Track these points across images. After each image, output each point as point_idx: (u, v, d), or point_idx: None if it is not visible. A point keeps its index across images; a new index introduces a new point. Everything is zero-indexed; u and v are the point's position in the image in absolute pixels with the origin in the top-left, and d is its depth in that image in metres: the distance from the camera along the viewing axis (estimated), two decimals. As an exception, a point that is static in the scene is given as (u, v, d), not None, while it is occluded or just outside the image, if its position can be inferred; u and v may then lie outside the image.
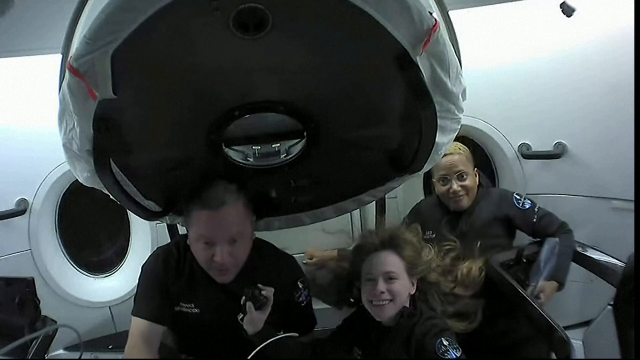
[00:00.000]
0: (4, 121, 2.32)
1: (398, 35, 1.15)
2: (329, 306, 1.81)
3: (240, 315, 1.47)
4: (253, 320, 1.45)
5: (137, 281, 1.67)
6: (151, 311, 1.57)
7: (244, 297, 1.46)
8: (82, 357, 2.31)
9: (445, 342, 1.37)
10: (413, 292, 1.54)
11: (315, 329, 1.77)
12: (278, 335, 1.49)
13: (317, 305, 2.08)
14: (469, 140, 2.49)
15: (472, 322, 1.56)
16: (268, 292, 1.47)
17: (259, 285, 1.47)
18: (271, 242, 1.77)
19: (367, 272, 1.53)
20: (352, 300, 1.66)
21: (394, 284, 1.48)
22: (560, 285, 1.89)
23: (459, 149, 2.12)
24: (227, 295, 1.58)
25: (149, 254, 1.73)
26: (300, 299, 1.67)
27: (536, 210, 2.04)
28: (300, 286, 1.67)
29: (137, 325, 1.56)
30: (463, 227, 2.03)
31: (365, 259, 1.55)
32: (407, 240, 1.56)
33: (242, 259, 1.56)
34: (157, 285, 1.60)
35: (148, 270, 1.65)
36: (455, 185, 2.06)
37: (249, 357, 1.42)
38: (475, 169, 2.14)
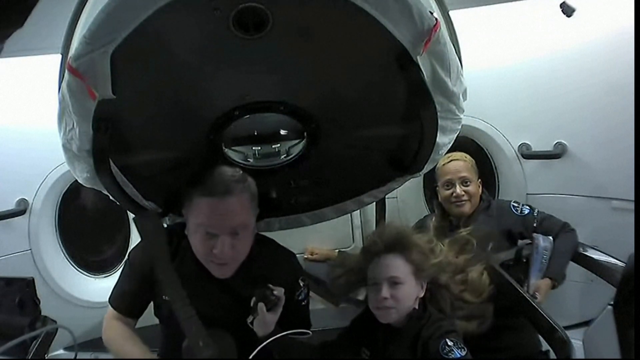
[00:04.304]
0: (4, 121, 2.32)
1: (398, 35, 1.15)
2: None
3: (250, 318, 1.40)
4: (265, 322, 1.39)
5: None
6: (124, 306, 1.58)
7: (254, 298, 1.40)
8: (83, 358, 2.35)
9: (450, 343, 1.34)
10: (422, 295, 1.49)
11: (315, 329, 1.75)
12: (286, 332, 1.42)
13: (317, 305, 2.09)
14: (472, 146, 2.50)
15: (482, 323, 1.54)
16: (279, 292, 1.41)
17: (270, 285, 1.42)
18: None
19: (372, 275, 1.49)
20: (361, 299, 1.63)
21: (398, 290, 1.43)
22: (556, 282, 1.90)
23: (465, 157, 2.17)
24: (221, 290, 1.52)
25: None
26: (300, 298, 1.60)
27: (536, 214, 2.05)
28: (301, 284, 1.61)
29: (112, 312, 1.59)
30: None
31: (371, 261, 1.51)
32: (414, 243, 1.50)
33: (243, 253, 1.48)
34: (135, 278, 1.57)
35: (132, 260, 1.61)
36: (459, 189, 2.09)
37: (251, 356, 1.37)
38: (479, 180, 2.17)
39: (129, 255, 1.65)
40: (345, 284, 1.63)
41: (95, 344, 2.39)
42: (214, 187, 1.40)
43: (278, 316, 1.42)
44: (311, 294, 1.79)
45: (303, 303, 1.63)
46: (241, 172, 1.49)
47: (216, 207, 1.39)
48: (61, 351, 2.38)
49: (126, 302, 1.59)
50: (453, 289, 1.54)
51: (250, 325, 1.41)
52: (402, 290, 1.44)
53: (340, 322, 1.70)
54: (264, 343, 1.37)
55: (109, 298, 1.62)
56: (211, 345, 1.40)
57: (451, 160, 2.14)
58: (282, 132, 1.61)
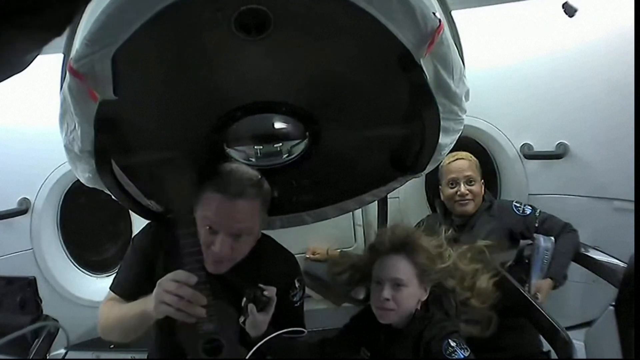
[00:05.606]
0: (6, 121, 2.32)
1: (402, 37, 1.14)
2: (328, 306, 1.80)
3: (242, 319, 1.38)
4: (256, 323, 1.36)
5: None
6: (124, 290, 1.53)
7: (244, 299, 1.38)
8: (84, 358, 2.35)
9: (453, 343, 1.33)
10: (424, 298, 1.47)
11: (315, 330, 1.74)
12: (280, 332, 1.40)
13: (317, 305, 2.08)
14: (474, 146, 2.50)
15: (485, 329, 1.52)
16: (270, 292, 1.38)
17: (261, 285, 1.39)
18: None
19: (376, 274, 1.48)
20: (362, 297, 1.61)
21: (400, 292, 1.42)
22: (557, 283, 1.90)
23: (469, 156, 2.19)
24: (218, 285, 1.47)
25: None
26: (295, 299, 1.58)
27: (537, 214, 2.05)
28: (297, 285, 1.58)
29: (113, 297, 1.53)
30: (465, 240, 2.02)
31: (376, 259, 1.50)
32: (422, 246, 1.48)
33: (241, 255, 1.46)
34: (138, 263, 1.53)
35: (135, 246, 1.58)
36: (463, 188, 2.11)
37: (247, 357, 1.36)
38: (482, 181, 2.17)
39: (132, 241, 1.62)
40: (347, 279, 1.61)
41: (96, 343, 2.41)
42: (229, 185, 1.38)
43: (270, 316, 1.38)
44: (312, 293, 1.79)
45: (297, 304, 1.60)
46: (260, 176, 1.47)
47: (225, 206, 1.37)
48: (62, 351, 2.38)
49: (127, 286, 1.53)
50: (460, 294, 1.51)
51: (243, 325, 1.39)
52: (404, 292, 1.43)
53: (340, 323, 1.70)
54: (258, 345, 1.35)
55: (110, 286, 1.56)
56: (213, 316, 1.37)
57: (456, 159, 2.16)
58: (284, 131, 1.61)
